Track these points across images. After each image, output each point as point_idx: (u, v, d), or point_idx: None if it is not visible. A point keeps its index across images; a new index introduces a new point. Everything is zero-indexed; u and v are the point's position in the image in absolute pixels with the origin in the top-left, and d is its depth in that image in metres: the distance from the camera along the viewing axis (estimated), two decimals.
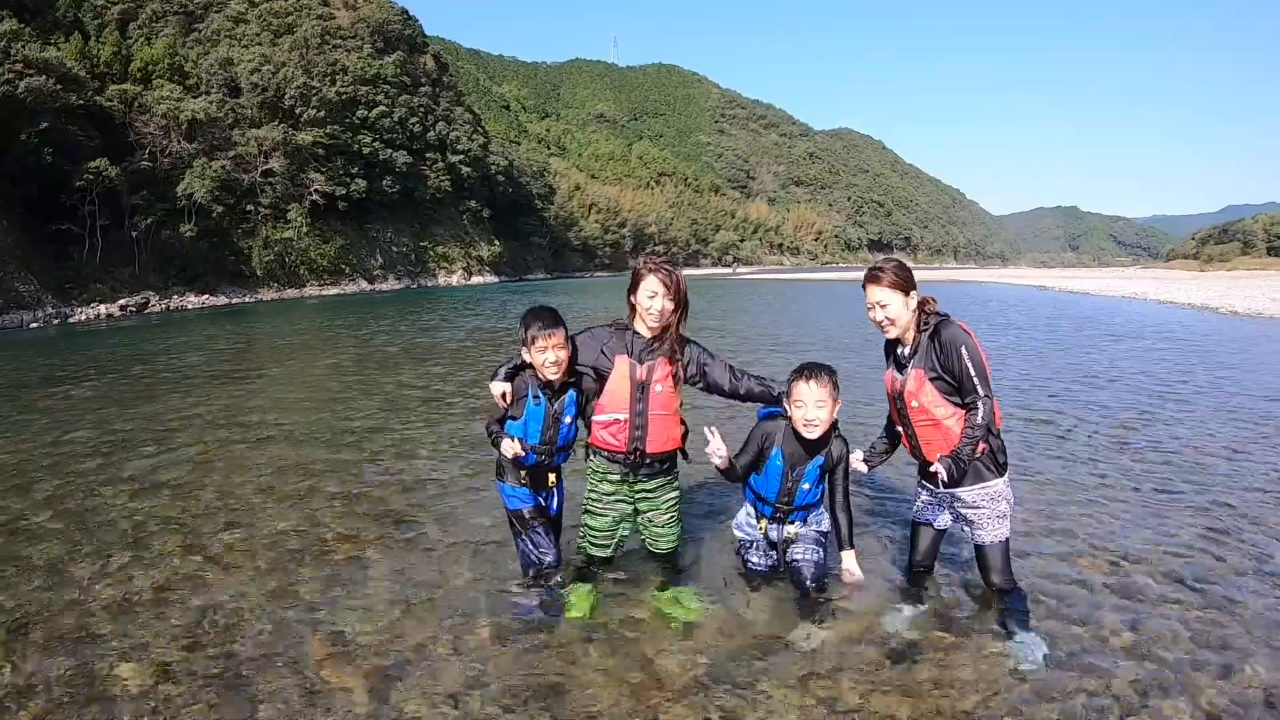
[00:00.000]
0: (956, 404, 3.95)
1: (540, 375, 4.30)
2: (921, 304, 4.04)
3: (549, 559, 4.48)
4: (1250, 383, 11.96)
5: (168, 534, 5.48)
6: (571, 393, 4.40)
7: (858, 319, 18.40)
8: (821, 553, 4.53)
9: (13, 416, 10.32)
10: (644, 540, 4.73)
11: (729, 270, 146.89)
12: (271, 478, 7.06)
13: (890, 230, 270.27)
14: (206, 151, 51.50)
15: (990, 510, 4.08)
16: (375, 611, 4.33)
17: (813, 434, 4.26)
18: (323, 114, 67.51)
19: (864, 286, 4.08)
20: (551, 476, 4.55)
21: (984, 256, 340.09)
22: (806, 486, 4.44)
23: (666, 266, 4.35)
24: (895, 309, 4.00)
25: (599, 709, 3.43)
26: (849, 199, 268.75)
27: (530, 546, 4.49)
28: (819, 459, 4.38)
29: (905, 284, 3.99)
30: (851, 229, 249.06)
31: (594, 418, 4.44)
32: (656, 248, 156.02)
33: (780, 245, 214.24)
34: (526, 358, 4.31)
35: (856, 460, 4.47)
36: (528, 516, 4.47)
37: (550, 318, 4.27)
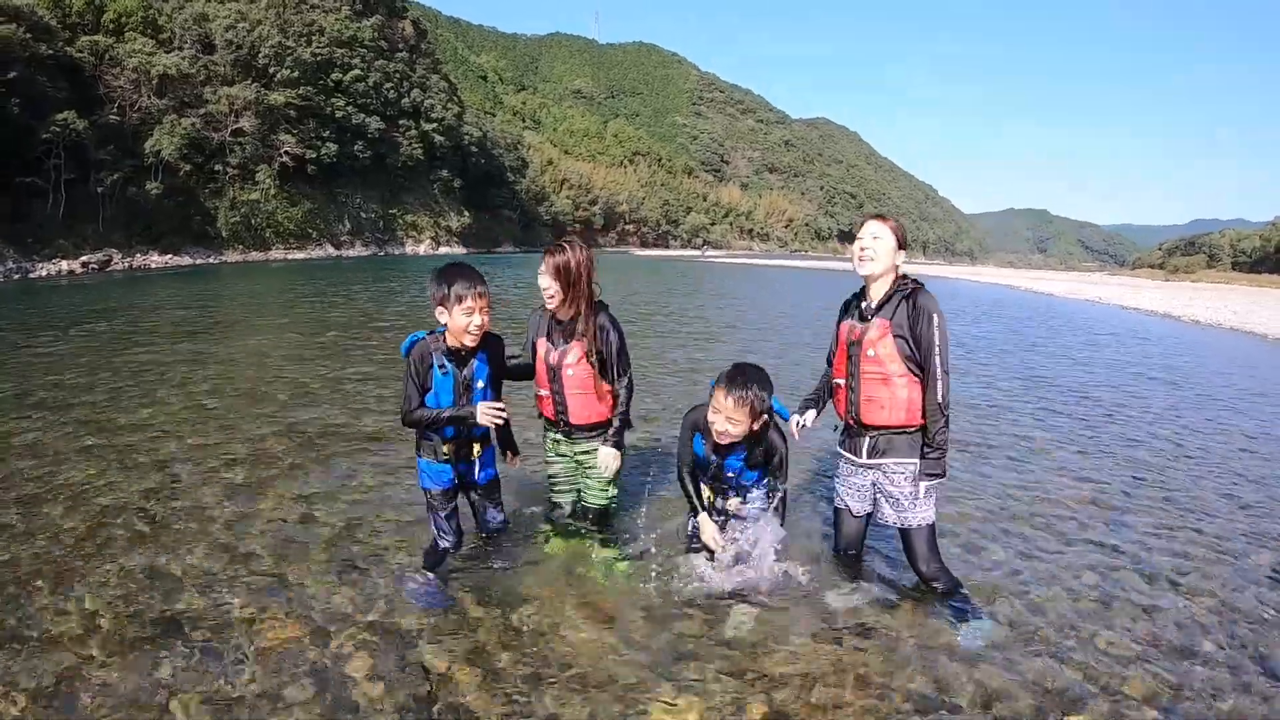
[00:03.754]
0: (912, 369, 3.92)
1: (456, 340, 4.13)
2: (904, 273, 4.09)
3: (444, 543, 4.45)
4: (1196, 380, 13.13)
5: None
6: (481, 356, 4.25)
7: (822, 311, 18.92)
8: (761, 536, 4.46)
9: None
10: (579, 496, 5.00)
11: (698, 252, 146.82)
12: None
13: (861, 222, 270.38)
14: (177, 108, 50.69)
15: (915, 490, 4.04)
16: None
17: (722, 441, 4.21)
18: (297, 75, 66.59)
19: (864, 223, 4.12)
20: (476, 446, 4.46)
21: (953, 253, 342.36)
22: (731, 474, 4.45)
23: (562, 246, 4.41)
24: (882, 248, 3.99)
25: (513, 683, 3.52)
26: (822, 188, 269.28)
27: (433, 527, 4.48)
28: (741, 451, 4.33)
29: (902, 237, 4.05)
30: (823, 218, 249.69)
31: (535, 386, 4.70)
32: (627, 226, 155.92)
33: (751, 231, 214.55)
34: (443, 319, 4.08)
35: (801, 422, 4.40)
36: (434, 497, 4.41)
37: (476, 275, 4.09)
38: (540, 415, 4.87)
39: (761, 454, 4.36)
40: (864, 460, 4.15)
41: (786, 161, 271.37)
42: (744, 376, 4.14)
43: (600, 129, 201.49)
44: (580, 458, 4.82)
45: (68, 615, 3.94)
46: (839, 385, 4.23)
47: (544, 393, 4.67)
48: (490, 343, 4.30)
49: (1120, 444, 8.17)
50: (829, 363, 4.43)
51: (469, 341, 4.12)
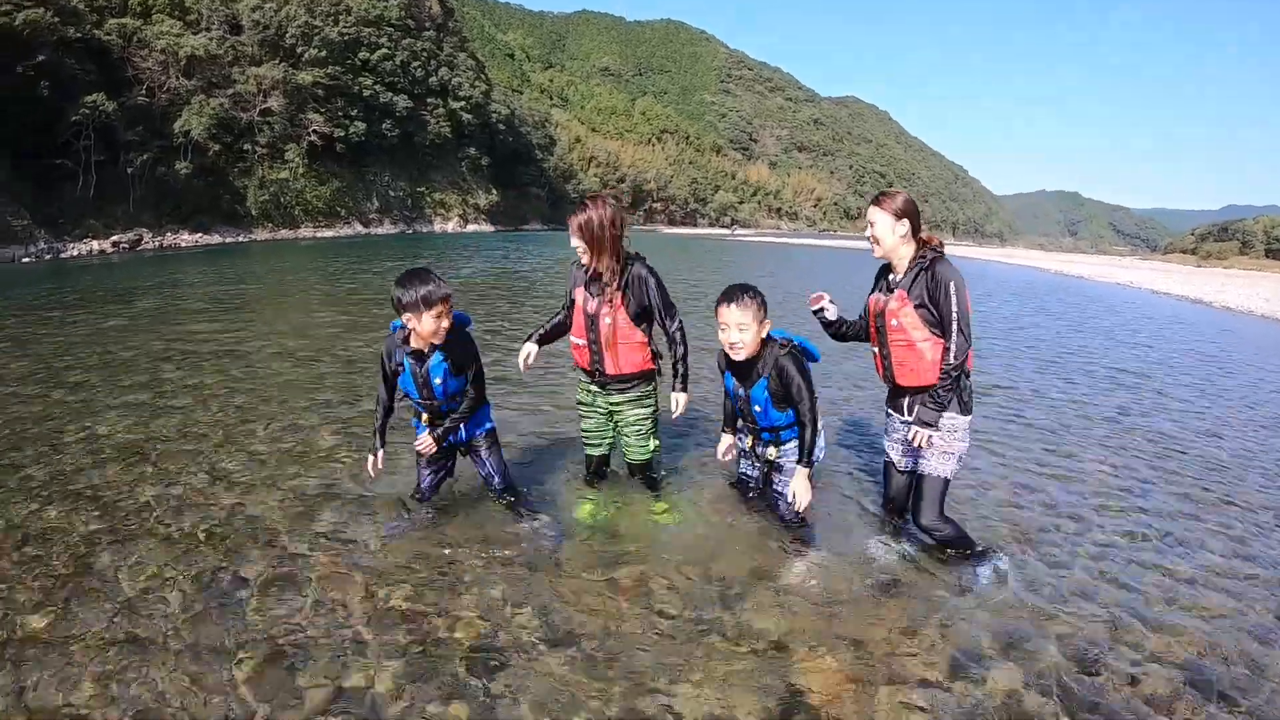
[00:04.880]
0: (936, 334, 4.13)
1: (423, 342, 4.38)
2: (926, 241, 4.24)
3: (421, 485, 4.93)
4: (1224, 364, 13.06)
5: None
6: (438, 357, 4.44)
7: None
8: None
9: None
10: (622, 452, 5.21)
11: (727, 231, 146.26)
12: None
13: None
14: (205, 89, 50.90)
15: (942, 443, 4.24)
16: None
17: (737, 355, 4.41)
18: (324, 54, 66.61)
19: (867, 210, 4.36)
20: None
21: (982, 235, 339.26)
22: (759, 409, 4.58)
23: (585, 204, 4.61)
24: (881, 229, 4.23)
25: (563, 620, 3.78)
26: (850, 168, 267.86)
27: (418, 473, 4.95)
28: (763, 380, 4.48)
29: (898, 212, 4.20)
30: (851, 197, 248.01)
31: (570, 336, 4.93)
32: (655, 204, 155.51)
33: (779, 210, 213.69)
34: (413, 324, 4.29)
35: (823, 302, 4.66)
36: (417, 449, 4.75)
37: (441, 281, 4.30)
38: (575, 366, 5.04)
39: (779, 383, 4.46)
40: (906, 417, 4.39)
41: (815, 140, 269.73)
42: (738, 287, 4.43)
43: (628, 107, 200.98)
44: (613, 409, 5.00)
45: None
46: (875, 353, 4.47)
47: (580, 342, 4.84)
48: (450, 337, 4.46)
49: (1151, 419, 8.32)
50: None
51: (436, 341, 4.37)
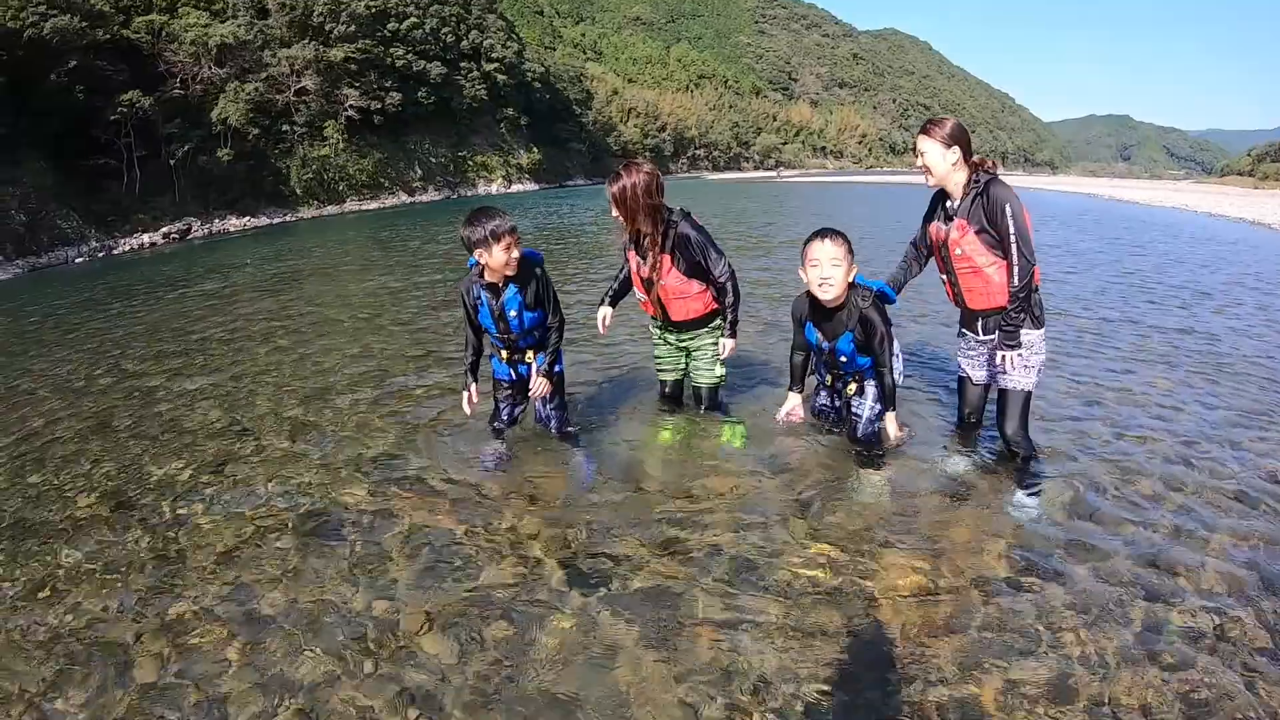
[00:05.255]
0: (999, 256, 4.24)
1: (496, 275, 4.66)
2: (979, 164, 4.33)
3: (496, 423, 5.31)
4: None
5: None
6: (512, 290, 4.72)
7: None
8: (878, 408, 4.82)
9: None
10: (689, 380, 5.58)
11: (773, 174, 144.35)
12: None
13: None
14: (238, 75, 51.06)
15: (1020, 359, 4.38)
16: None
17: (827, 294, 4.49)
18: (353, 29, 66.28)
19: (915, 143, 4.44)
20: (529, 353, 5.03)
21: (1032, 164, 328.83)
22: (844, 359, 4.72)
23: (618, 173, 4.81)
24: (931, 158, 4.32)
25: (655, 534, 4.20)
26: (894, 101, 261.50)
27: (494, 407, 5.32)
28: (849, 333, 4.60)
29: (947, 139, 4.29)
30: (896, 133, 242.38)
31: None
32: (697, 151, 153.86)
33: (823, 149, 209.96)
34: (484, 259, 4.57)
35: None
36: (497, 386, 5.22)
37: (506, 215, 4.58)
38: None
39: (864, 332, 4.57)
40: (981, 337, 4.59)
41: (856, 75, 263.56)
42: (828, 230, 4.52)
43: (663, 54, 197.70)
44: (684, 344, 5.37)
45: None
46: (943, 280, 4.62)
47: (643, 298, 5.18)
48: (522, 270, 4.72)
49: (1210, 338, 8.37)
50: (914, 244, 4.88)
51: (509, 273, 4.64)
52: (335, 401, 6.76)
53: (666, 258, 4.86)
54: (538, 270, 4.80)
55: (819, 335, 4.73)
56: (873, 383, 4.75)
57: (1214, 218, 31.69)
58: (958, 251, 4.34)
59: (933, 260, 4.73)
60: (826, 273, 4.40)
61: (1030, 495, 4.44)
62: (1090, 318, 9.32)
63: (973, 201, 4.25)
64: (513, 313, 4.73)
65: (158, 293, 15.29)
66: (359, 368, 7.85)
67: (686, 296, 4.98)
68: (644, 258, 4.91)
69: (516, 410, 5.29)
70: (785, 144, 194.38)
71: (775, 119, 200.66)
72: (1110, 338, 8.28)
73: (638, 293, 5.19)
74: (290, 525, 4.48)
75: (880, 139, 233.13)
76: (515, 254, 4.52)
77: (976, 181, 4.27)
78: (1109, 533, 4.06)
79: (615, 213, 4.81)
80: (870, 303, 4.52)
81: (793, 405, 5.22)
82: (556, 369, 5.09)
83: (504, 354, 5.01)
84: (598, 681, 3.12)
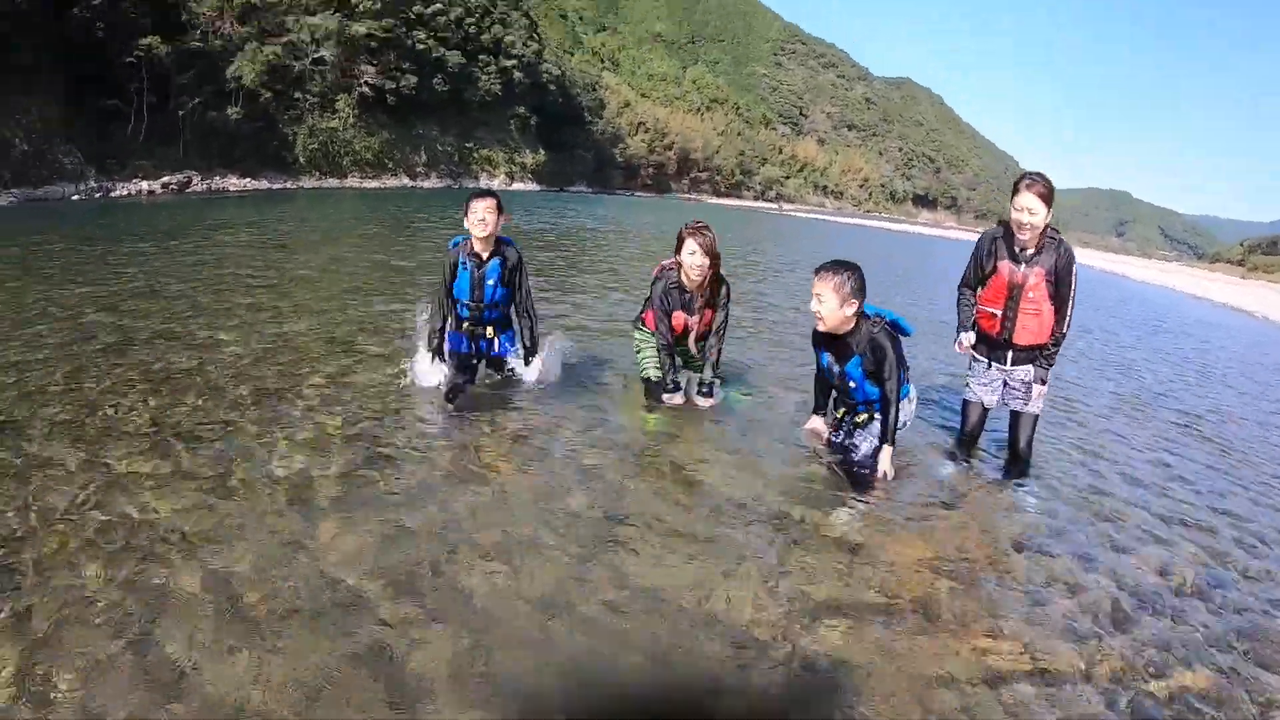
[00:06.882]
0: (1053, 302, 5.04)
1: (480, 242, 5.53)
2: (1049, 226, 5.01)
3: (454, 384, 5.70)
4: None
5: None
6: (495, 262, 5.60)
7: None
8: (878, 444, 5.03)
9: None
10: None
11: (775, 206, 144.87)
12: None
13: (938, 187, 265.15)
14: (258, 36, 50.74)
15: (1040, 390, 5.27)
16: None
17: (820, 326, 4.92)
18: (379, 6, 65.94)
19: (1016, 190, 4.97)
20: (489, 329, 5.85)
21: None
22: (853, 385, 5.04)
23: (707, 229, 5.55)
24: (1039, 213, 4.93)
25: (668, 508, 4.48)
26: (900, 150, 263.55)
27: (449, 378, 5.80)
28: (858, 358, 4.91)
29: (1047, 197, 4.92)
30: (899, 180, 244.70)
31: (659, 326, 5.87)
32: (700, 174, 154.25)
33: (825, 188, 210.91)
34: (468, 224, 5.48)
35: (962, 340, 5.52)
36: (451, 355, 5.85)
37: (488, 193, 5.56)
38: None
39: (873, 359, 4.85)
40: (1007, 367, 5.32)
41: (866, 119, 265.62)
42: (832, 263, 4.89)
43: (679, 74, 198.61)
44: (694, 365, 6.22)
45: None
46: (993, 313, 5.23)
47: (670, 337, 5.87)
48: (505, 251, 5.68)
49: (1174, 395, 9.96)
50: (969, 286, 5.47)
51: (479, 233, 5.45)
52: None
53: (709, 311, 5.83)
54: (515, 255, 5.72)
55: (829, 358, 5.13)
56: (872, 437, 5.05)
57: (1200, 300, 33.15)
58: (1031, 295, 5.02)
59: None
60: (814, 307, 4.84)
61: (1023, 500, 5.17)
62: (1101, 373, 10.82)
63: (1051, 254, 5.00)
64: (490, 281, 5.57)
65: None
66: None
67: (709, 337, 5.99)
68: (693, 311, 5.74)
69: (466, 382, 5.79)
70: (788, 178, 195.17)
71: (781, 151, 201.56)
72: (1121, 386, 9.97)
73: (665, 335, 5.88)
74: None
75: (882, 185, 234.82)
76: (490, 219, 5.41)
77: (1053, 238, 5.02)
78: (1093, 526, 4.86)
79: (704, 263, 5.54)
80: (881, 329, 4.85)
81: (814, 425, 5.69)
82: (505, 350, 6.01)
83: (466, 325, 5.75)
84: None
